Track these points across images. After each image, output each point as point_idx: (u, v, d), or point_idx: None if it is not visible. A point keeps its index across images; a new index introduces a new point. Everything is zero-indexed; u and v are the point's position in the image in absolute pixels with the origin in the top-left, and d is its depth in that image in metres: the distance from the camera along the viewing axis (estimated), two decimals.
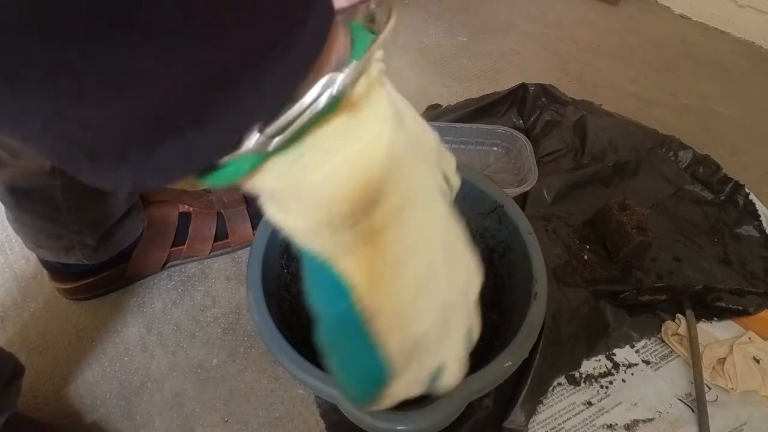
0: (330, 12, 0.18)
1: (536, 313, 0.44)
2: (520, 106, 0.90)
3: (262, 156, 0.18)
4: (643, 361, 0.58)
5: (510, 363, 0.40)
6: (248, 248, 0.58)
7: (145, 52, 0.13)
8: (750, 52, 1.16)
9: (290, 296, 0.53)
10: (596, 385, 0.56)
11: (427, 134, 0.26)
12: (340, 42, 0.19)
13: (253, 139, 0.17)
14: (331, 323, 0.24)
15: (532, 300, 0.45)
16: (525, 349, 0.42)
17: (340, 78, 0.17)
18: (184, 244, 0.64)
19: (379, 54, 0.20)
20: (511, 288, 0.53)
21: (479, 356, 0.48)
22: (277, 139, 0.17)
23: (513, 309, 0.50)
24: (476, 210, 0.57)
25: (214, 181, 0.18)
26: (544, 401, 0.54)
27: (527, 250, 0.49)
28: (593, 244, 0.69)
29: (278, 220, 0.21)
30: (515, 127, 0.84)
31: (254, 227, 0.65)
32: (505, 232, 0.54)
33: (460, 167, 0.58)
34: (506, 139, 0.81)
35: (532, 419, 0.53)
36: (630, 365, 0.58)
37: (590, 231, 0.70)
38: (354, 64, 0.18)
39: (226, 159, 0.18)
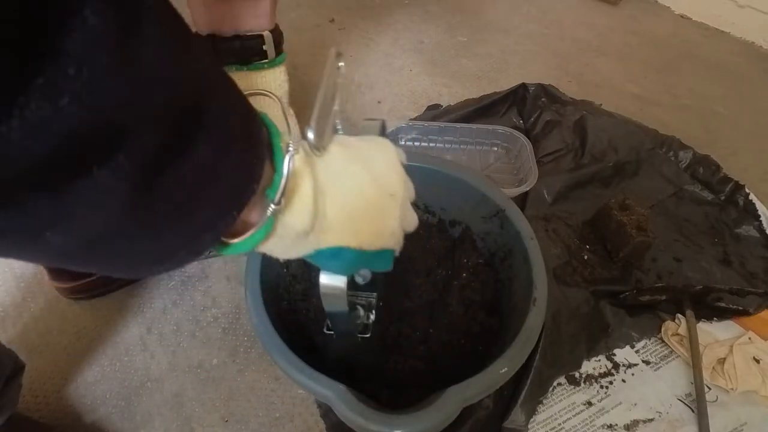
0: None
1: (535, 320, 0.44)
2: (520, 106, 0.90)
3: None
4: (643, 361, 0.58)
5: (506, 369, 0.40)
6: None
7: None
8: (750, 52, 1.16)
9: (289, 296, 0.53)
10: (596, 385, 0.56)
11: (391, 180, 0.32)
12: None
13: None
14: None
15: (531, 306, 0.45)
16: (522, 355, 0.42)
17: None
18: None
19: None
20: (512, 293, 0.52)
21: (477, 361, 0.48)
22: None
23: (512, 314, 0.50)
24: (478, 213, 0.56)
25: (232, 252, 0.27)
26: (544, 401, 0.54)
27: (528, 256, 0.49)
28: (593, 244, 0.69)
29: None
30: (515, 127, 0.84)
31: None
32: (506, 236, 0.54)
33: (459, 169, 0.57)
34: (506, 139, 0.81)
35: (532, 419, 0.53)
36: (630, 365, 0.58)
37: (590, 231, 0.70)
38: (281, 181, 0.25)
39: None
